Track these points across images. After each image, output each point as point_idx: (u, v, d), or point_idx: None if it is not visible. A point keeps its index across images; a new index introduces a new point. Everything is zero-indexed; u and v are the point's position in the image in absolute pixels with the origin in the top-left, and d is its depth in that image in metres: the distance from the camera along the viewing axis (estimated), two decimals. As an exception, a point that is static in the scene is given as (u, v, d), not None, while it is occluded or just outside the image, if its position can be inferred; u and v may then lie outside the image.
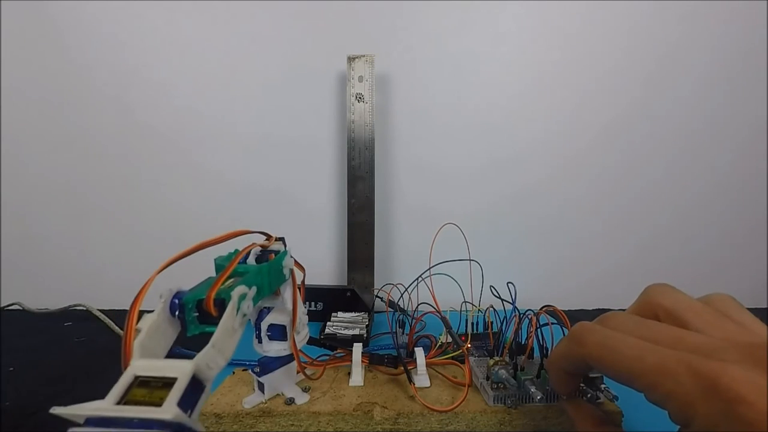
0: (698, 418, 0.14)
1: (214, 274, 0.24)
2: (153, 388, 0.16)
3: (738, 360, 0.15)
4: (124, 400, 0.16)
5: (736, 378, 0.14)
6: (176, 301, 0.20)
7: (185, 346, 0.43)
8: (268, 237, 0.28)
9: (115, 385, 0.16)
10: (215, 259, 0.25)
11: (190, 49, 0.60)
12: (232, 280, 0.22)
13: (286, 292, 0.28)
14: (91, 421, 0.15)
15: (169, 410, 0.15)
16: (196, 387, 0.17)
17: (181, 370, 0.17)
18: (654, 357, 0.16)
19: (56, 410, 0.15)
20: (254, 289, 0.22)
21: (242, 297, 0.21)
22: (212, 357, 0.18)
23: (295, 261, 0.29)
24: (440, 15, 0.59)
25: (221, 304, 0.20)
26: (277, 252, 0.27)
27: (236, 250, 0.25)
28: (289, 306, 0.28)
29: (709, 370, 0.14)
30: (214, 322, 0.19)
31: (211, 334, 0.19)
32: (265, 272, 0.25)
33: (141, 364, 0.17)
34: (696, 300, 0.20)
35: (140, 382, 0.16)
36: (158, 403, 0.15)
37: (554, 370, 0.23)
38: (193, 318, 0.20)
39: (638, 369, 0.16)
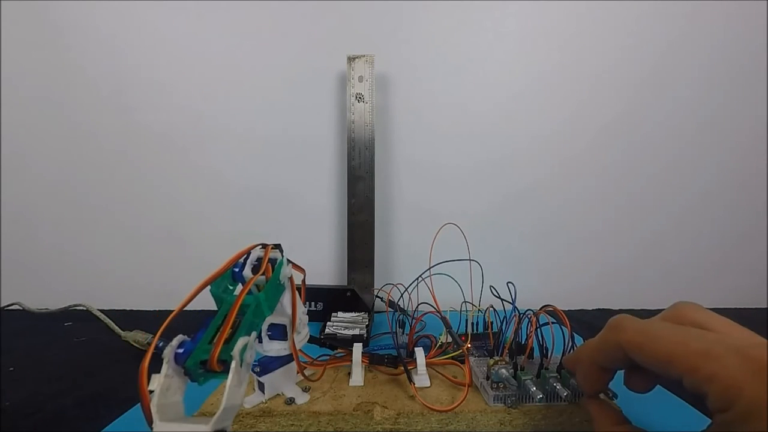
0: (743, 399, 0.15)
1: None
2: None
3: None
4: None
5: None
6: (180, 351, 0.21)
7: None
8: (265, 246, 0.27)
9: None
10: (211, 289, 0.24)
11: (190, 49, 0.60)
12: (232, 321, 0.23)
13: (285, 298, 0.28)
14: None
15: None
16: None
17: None
18: (699, 342, 0.17)
19: None
20: (254, 334, 0.23)
21: (243, 349, 0.21)
22: (226, 414, 0.20)
23: (294, 264, 0.29)
24: (440, 15, 0.59)
25: (224, 362, 0.21)
26: (274, 261, 0.27)
27: (230, 272, 0.25)
28: (289, 311, 0.28)
29: (759, 354, 0.15)
30: (222, 373, 0.20)
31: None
32: (263, 300, 0.24)
33: (163, 428, 0.19)
34: (726, 319, 0.21)
35: None
36: None
37: (585, 365, 0.23)
38: (200, 374, 0.21)
39: (681, 352, 0.17)
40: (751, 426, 0.15)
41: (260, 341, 0.30)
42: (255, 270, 0.26)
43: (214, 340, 0.21)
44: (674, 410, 0.32)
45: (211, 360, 0.20)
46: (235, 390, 0.20)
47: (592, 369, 0.23)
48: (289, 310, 0.28)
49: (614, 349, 0.21)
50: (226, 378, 0.20)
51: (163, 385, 0.20)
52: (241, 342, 0.21)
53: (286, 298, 0.28)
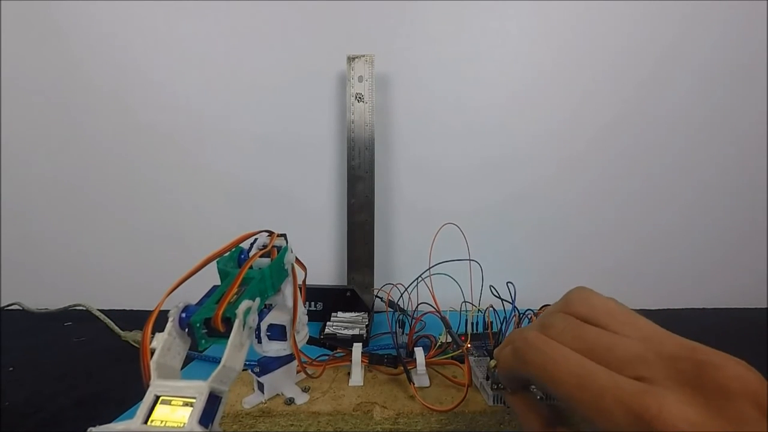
0: None
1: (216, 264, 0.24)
2: (174, 405, 0.18)
3: (667, 378, 0.15)
4: (150, 420, 0.18)
5: (672, 416, 0.14)
6: (184, 315, 0.22)
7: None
8: (271, 233, 0.28)
9: (140, 405, 0.18)
10: (217, 263, 0.25)
11: (190, 49, 0.60)
12: (236, 290, 0.23)
13: (287, 289, 0.28)
14: None
15: (192, 429, 0.17)
16: (213, 401, 0.19)
17: (198, 389, 0.18)
18: (592, 389, 0.16)
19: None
20: (258, 300, 0.23)
21: (247, 312, 0.21)
22: (225, 374, 0.20)
23: (297, 259, 0.29)
24: (440, 15, 0.59)
25: (228, 321, 0.21)
26: (279, 248, 0.28)
27: (239, 248, 0.26)
28: (290, 303, 0.28)
29: (644, 410, 0.14)
30: (224, 336, 0.21)
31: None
32: (267, 276, 0.25)
33: (160, 385, 0.19)
34: (609, 301, 0.20)
35: (162, 400, 0.19)
36: (180, 422, 0.18)
37: (502, 375, 0.22)
38: (202, 334, 0.21)
39: (578, 399, 0.16)
40: None
41: (260, 341, 0.30)
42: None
43: (219, 301, 0.22)
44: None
45: (216, 317, 0.21)
46: (235, 351, 0.20)
47: (507, 381, 0.22)
48: (290, 302, 0.28)
49: (524, 378, 0.20)
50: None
51: (165, 343, 0.21)
52: (245, 304, 0.21)
53: (288, 289, 0.28)
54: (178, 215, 0.63)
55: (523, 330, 0.22)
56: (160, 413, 0.18)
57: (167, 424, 0.18)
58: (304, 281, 0.31)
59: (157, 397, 0.19)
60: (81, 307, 0.57)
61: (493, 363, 0.30)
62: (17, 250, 0.63)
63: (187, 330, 0.22)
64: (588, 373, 0.17)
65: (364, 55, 0.55)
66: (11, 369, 0.42)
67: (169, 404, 0.18)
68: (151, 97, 0.61)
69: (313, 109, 0.61)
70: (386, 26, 0.60)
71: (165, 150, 0.62)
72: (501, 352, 0.22)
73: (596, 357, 0.17)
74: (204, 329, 0.21)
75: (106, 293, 0.61)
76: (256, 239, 0.27)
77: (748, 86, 0.61)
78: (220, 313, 0.21)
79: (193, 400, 0.18)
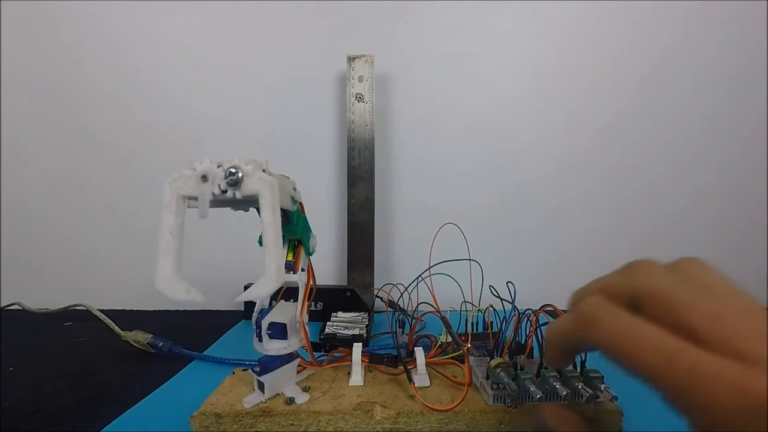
0: None
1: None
2: None
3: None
4: None
5: None
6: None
7: (186, 346, 0.43)
8: None
9: None
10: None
11: (190, 49, 0.60)
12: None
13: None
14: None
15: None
16: None
17: None
18: (685, 362, 0.14)
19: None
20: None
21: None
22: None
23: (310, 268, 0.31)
24: (440, 15, 0.59)
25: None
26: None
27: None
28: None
29: (757, 388, 0.13)
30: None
31: None
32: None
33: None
34: (677, 278, 0.18)
35: None
36: None
37: (552, 346, 0.21)
38: None
39: (665, 375, 0.15)
40: None
41: (260, 340, 0.30)
42: None
43: None
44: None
45: None
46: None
47: (558, 351, 0.21)
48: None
49: (588, 345, 0.18)
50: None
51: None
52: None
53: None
54: (178, 215, 0.63)
55: (600, 280, 0.20)
56: None
57: None
58: (314, 285, 0.32)
59: None
60: (81, 307, 0.57)
61: (493, 363, 0.30)
62: (17, 250, 0.63)
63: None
64: (676, 348, 0.15)
65: (364, 55, 0.55)
66: (11, 369, 0.42)
67: None
68: (151, 97, 0.61)
69: (313, 109, 0.61)
70: (386, 26, 0.60)
71: (165, 150, 0.62)
72: (551, 327, 0.21)
73: (698, 322, 0.15)
74: None
75: (106, 293, 0.61)
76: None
77: (749, 87, 0.61)
78: None
79: None
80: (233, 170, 0.21)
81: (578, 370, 0.28)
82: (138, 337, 0.44)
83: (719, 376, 0.14)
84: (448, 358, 0.36)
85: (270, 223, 0.21)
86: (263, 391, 0.30)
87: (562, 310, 0.31)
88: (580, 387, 0.26)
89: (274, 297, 0.32)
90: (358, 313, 0.51)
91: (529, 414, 0.28)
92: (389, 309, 0.40)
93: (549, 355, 0.22)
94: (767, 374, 0.13)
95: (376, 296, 0.56)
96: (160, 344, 0.43)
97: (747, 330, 0.15)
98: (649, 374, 0.15)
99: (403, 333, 0.41)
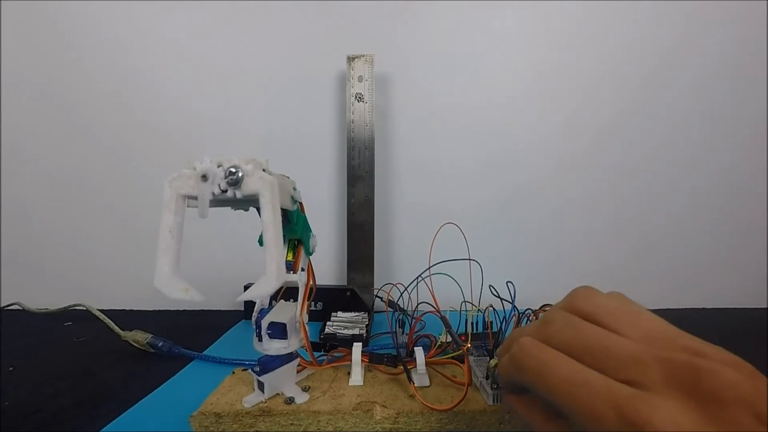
0: None
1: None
2: None
3: (662, 383, 0.15)
4: None
5: (664, 422, 0.14)
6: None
7: (186, 346, 0.43)
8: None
9: None
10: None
11: (190, 49, 0.60)
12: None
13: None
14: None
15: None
16: None
17: None
18: (584, 397, 0.16)
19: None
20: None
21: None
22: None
23: (310, 268, 0.31)
24: (440, 15, 0.59)
25: None
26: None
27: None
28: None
29: (636, 416, 0.14)
30: None
31: None
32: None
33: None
34: (613, 299, 0.20)
35: None
36: None
37: (501, 376, 0.23)
38: None
39: (571, 406, 0.17)
40: None
41: (260, 340, 0.30)
42: None
43: None
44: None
45: None
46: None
47: (508, 387, 0.23)
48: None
49: (521, 384, 0.20)
50: None
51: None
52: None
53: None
54: (178, 215, 0.63)
55: (523, 330, 0.22)
56: None
57: None
58: (314, 285, 0.32)
59: None
60: (81, 307, 0.57)
61: (493, 363, 0.30)
62: (17, 250, 0.63)
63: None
64: (581, 379, 0.17)
65: (364, 55, 0.55)
66: (11, 369, 0.42)
67: None
68: (151, 97, 0.61)
69: (313, 109, 0.61)
70: (386, 26, 0.60)
71: (165, 150, 0.62)
72: (501, 357, 0.23)
73: (593, 357, 0.17)
74: None
75: (106, 293, 0.61)
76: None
77: (748, 87, 0.61)
78: None
79: None
80: (233, 170, 0.21)
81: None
82: (138, 337, 0.44)
83: (613, 401, 0.15)
84: (447, 358, 0.36)
85: (270, 222, 0.21)
86: (263, 391, 0.30)
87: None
88: None
89: (274, 297, 0.32)
90: (357, 313, 0.51)
91: (504, 407, 0.28)
92: (389, 309, 0.40)
93: (503, 385, 0.24)
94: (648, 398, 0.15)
95: (376, 296, 0.56)
96: (160, 344, 0.43)
97: (632, 357, 0.17)
98: (565, 407, 0.17)
99: (402, 333, 0.41)
